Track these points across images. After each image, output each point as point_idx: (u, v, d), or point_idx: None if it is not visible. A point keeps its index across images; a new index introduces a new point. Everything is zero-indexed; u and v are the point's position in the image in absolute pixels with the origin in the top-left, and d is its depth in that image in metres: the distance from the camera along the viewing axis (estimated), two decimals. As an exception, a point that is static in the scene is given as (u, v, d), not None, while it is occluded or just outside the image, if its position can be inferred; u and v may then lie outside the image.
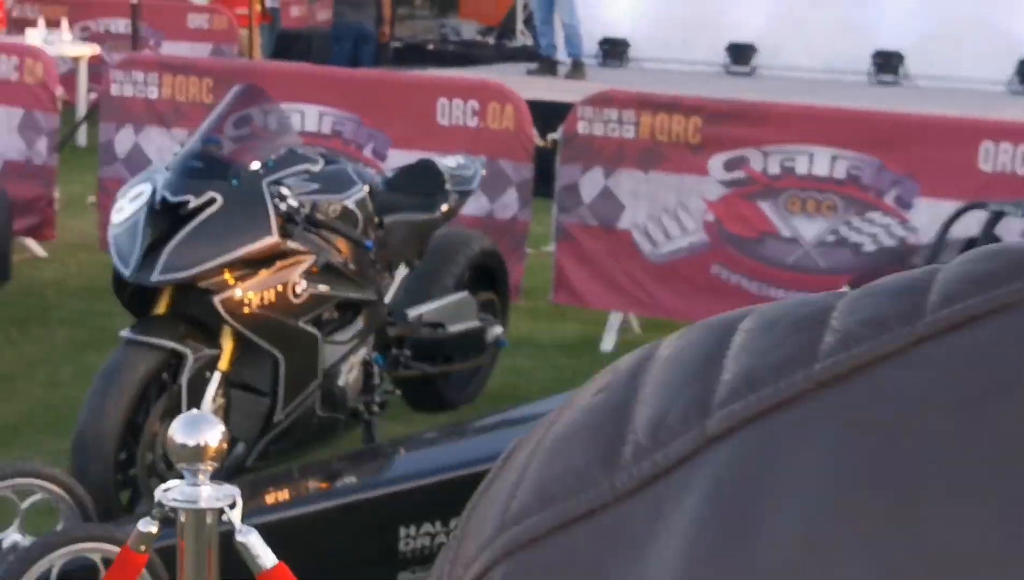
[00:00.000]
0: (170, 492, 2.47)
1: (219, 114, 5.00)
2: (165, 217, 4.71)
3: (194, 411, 2.54)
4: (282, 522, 4.15)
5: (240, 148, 4.90)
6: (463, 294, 6.01)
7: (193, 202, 4.69)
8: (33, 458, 5.45)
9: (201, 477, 2.42)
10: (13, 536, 4.14)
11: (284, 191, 4.83)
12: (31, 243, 8.59)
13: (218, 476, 4.92)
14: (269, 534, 4.07)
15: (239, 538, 2.44)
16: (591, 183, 7.32)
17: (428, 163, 5.98)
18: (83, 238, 9.17)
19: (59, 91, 8.34)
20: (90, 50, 12.96)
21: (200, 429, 2.38)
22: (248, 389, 4.94)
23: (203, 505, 2.42)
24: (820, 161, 6.94)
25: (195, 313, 4.77)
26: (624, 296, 7.34)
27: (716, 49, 15.60)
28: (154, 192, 4.74)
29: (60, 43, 12.16)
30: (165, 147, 8.08)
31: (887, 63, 15.02)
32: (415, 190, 5.82)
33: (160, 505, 2.48)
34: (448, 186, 5.89)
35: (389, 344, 5.58)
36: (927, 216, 6.77)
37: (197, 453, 2.40)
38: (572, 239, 7.40)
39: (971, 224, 6.39)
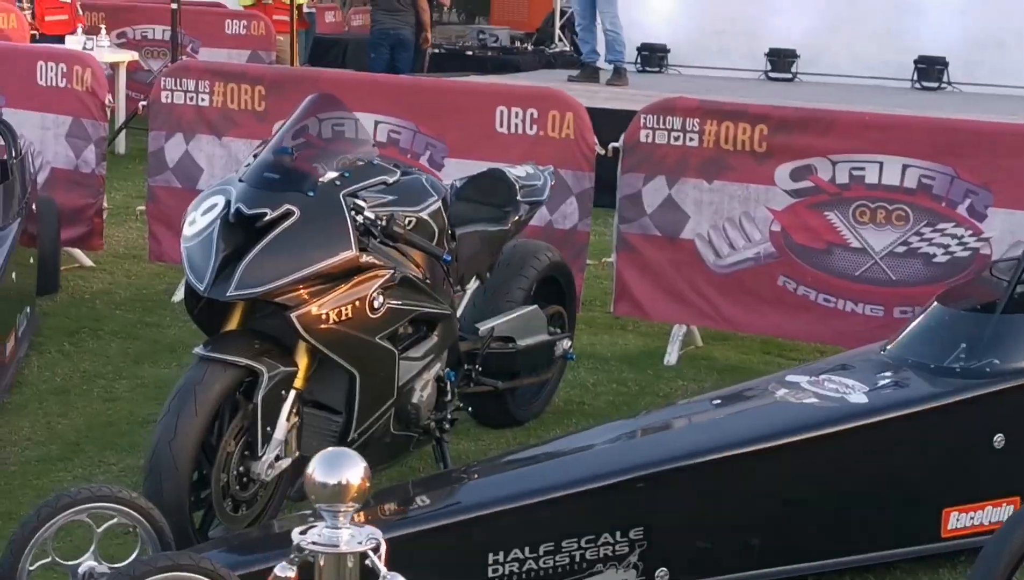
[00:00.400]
0: (308, 534, 2.31)
1: (293, 123, 4.85)
2: (240, 230, 4.56)
3: (334, 448, 2.38)
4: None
5: (316, 159, 4.74)
6: (533, 308, 5.86)
7: (269, 215, 4.54)
8: (95, 478, 5.33)
9: (342, 518, 2.27)
10: (89, 563, 3.98)
11: (360, 203, 4.68)
12: (77, 253, 8.46)
13: (289, 497, 4.79)
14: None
15: (384, 584, 2.29)
16: (654, 192, 7.16)
17: (498, 173, 5.83)
18: (129, 248, 9.07)
19: (108, 98, 8.21)
20: (129, 56, 12.84)
21: (341, 466, 2.22)
22: (321, 407, 4.79)
23: (344, 549, 2.26)
24: (890, 170, 6.77)
25: (270, 329, 4.62)
26: (687, 308, 7.18)
27: (756, 55, 15.44)
28: (228, 204, 4.60)
29: (99, 49, 12.02)
30: (216, 155, 7.96)
31: (930, 68, 14.84)
32: (485, 201, 5.68)
33: (299, 548, 2.32)
34: (519, 196, 5.75)
35: (460, 359, 5.43)
36: (1002, 227, 6.60)
37: (338, 492, 2.24)
38: (634, 250, 7.24)
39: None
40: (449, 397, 5.29)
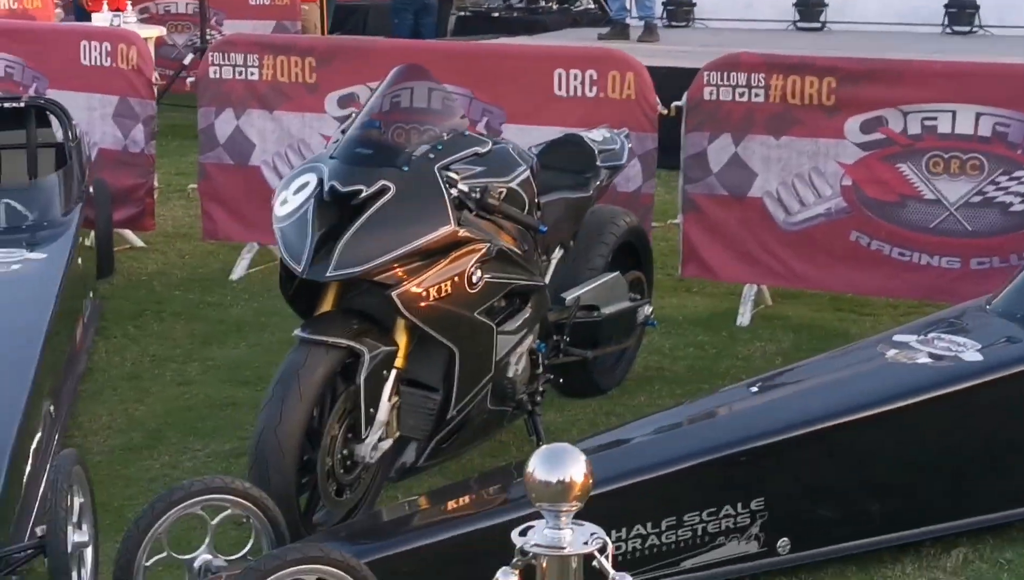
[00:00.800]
0: (529, 536, 2.19)
1: (381, 96, 4.72)
2: (335, 208, 4.44)
3: (555, 444, 2.26)
4: (484, 531, 3.91)
5: (407, 132, 4.62)
6: (615, 274, 5.74)
7: (365, 191, 4.41)
8: (181, 465, 5.24)
9: (564, 519, 2.15)
10: (204, 556, 3.88)
11: (453, 176, 4.56)
12: (128, 234, 8.34)
13: (389, 478, 4.70)
14: (477, 542, 3.85)
15: (613, 587, 2.17)
16: (719, 151, 7.03)
17: (576, 138, 5.72)
18: (177, 226, 8.96)
19: (155, 76, 8.08)
20: (157, 32, 12.68)
21: (564, 463, 2.10)
22: (418, 385, 4.68)
23: (569, 551, 2.15)
24: (963, 119, 6.63)
25: (367, 308, 4.51)
26: (757, 267, 7.06)
27: (784, 5, 15.28)
28: (321, 182, 4.48)
29: (126, 26, 11.85)
30: (267, 130, 7.84)
31: (961, 12, 14.66)
32: (566, 167, 5.55)
33: (522, 552, 2.20)
34: (598, 162, 5.63)
35: (549, 330, 5.32)
36: (1081, 173, 6.48)
37: (562, 491, 2.13)
38: (700, 210, 7.12)
39: None
40: (540, 369, 5.18)
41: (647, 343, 6.45)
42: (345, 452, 4.44)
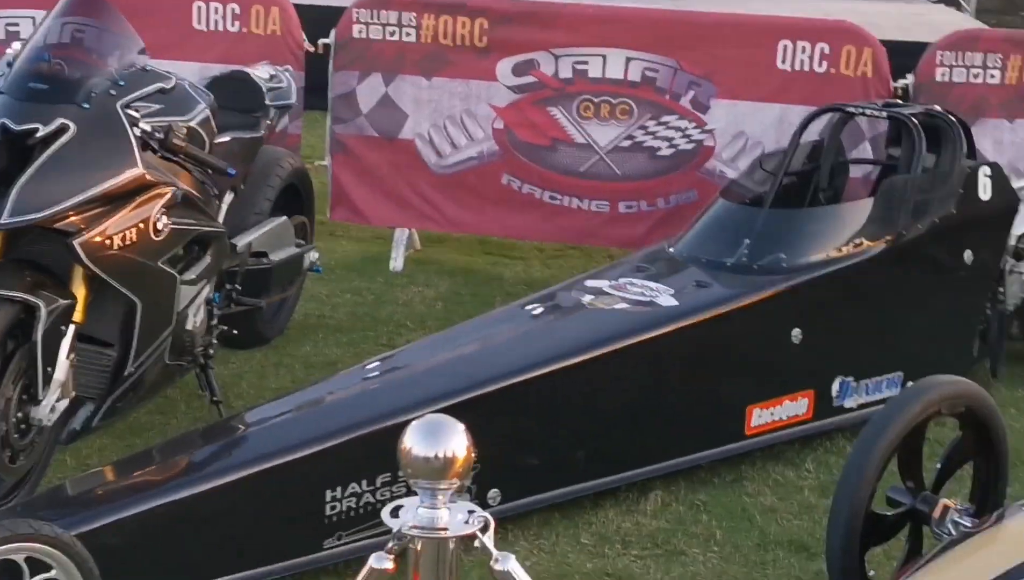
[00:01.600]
0: (402, 516, 1.96)
1: (51, 25, 4.31)
2: (7, 149, 4.02)
3: (432, 415, 2.04)
4: (189, 500, 3.66)
5: (85, 66, 4.23)
6: (283, 219, 5.49)
7: (41, 130, 4.01)
8: None
9: (441, 497, 1.94)
10: None
11: (134, 114, 4.21)
12: None
13: (59, 441, 4.34)
14: (178, 511, 3.59)
15: (497, 567, 1.98)
16: (369, 91, 6.84)
17: (243, 75, 5.43)
18: None
19: None
20: None
21: (444, 436, 1.89)
22: (93, 341, 4.32)
23: (450, 532, 1.94)
24: (614, 64, 6.68)
25: (41, 258, 4.11)
26: (409, 211, 6.93)
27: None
28: (-10, 120, 4.05)
29: None
30: None
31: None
32: (233, 106, 5.24)
33: (399, 536, 1.97)
34: (267, 100, 5.37)
35: (222, 279, 5.04)
36: (725, 118, 6.63)
37: (443, 468, 1.91)
38: (349, 152, 6.92)
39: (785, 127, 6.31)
40: (215, 321, 4.91)
41: (302, 290, 6.22)
42: (20, 415, 4.06)
